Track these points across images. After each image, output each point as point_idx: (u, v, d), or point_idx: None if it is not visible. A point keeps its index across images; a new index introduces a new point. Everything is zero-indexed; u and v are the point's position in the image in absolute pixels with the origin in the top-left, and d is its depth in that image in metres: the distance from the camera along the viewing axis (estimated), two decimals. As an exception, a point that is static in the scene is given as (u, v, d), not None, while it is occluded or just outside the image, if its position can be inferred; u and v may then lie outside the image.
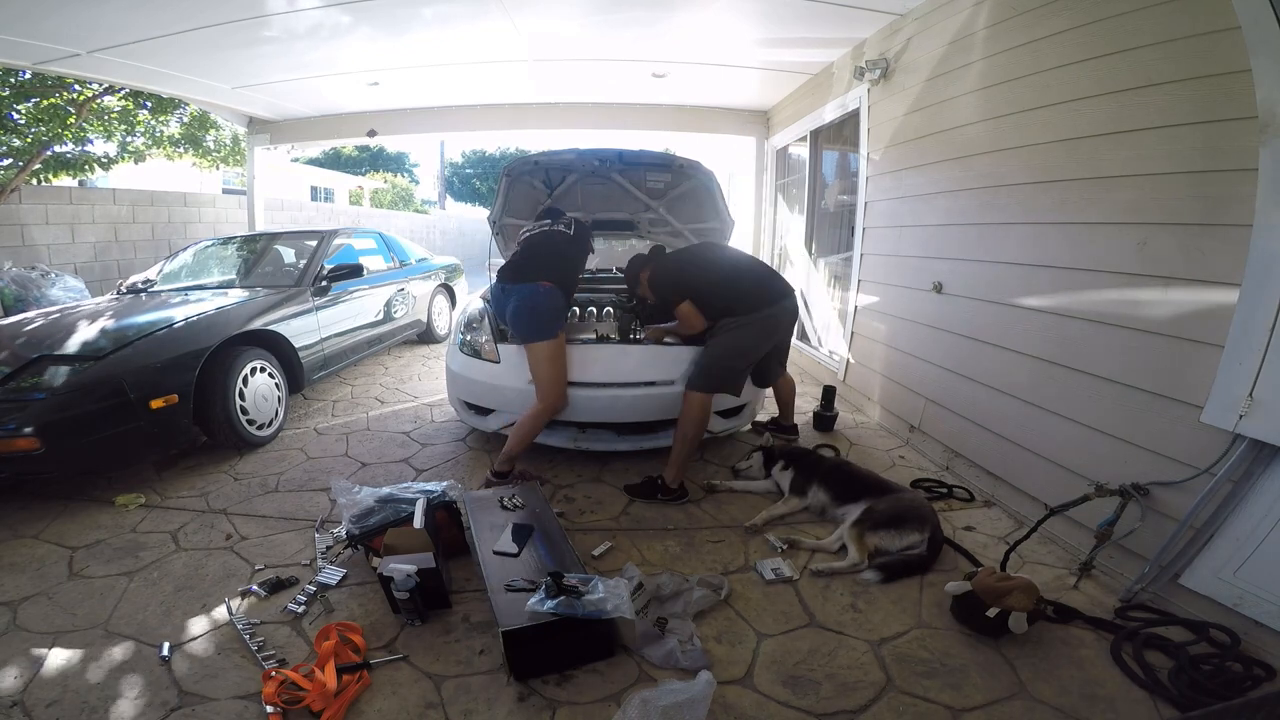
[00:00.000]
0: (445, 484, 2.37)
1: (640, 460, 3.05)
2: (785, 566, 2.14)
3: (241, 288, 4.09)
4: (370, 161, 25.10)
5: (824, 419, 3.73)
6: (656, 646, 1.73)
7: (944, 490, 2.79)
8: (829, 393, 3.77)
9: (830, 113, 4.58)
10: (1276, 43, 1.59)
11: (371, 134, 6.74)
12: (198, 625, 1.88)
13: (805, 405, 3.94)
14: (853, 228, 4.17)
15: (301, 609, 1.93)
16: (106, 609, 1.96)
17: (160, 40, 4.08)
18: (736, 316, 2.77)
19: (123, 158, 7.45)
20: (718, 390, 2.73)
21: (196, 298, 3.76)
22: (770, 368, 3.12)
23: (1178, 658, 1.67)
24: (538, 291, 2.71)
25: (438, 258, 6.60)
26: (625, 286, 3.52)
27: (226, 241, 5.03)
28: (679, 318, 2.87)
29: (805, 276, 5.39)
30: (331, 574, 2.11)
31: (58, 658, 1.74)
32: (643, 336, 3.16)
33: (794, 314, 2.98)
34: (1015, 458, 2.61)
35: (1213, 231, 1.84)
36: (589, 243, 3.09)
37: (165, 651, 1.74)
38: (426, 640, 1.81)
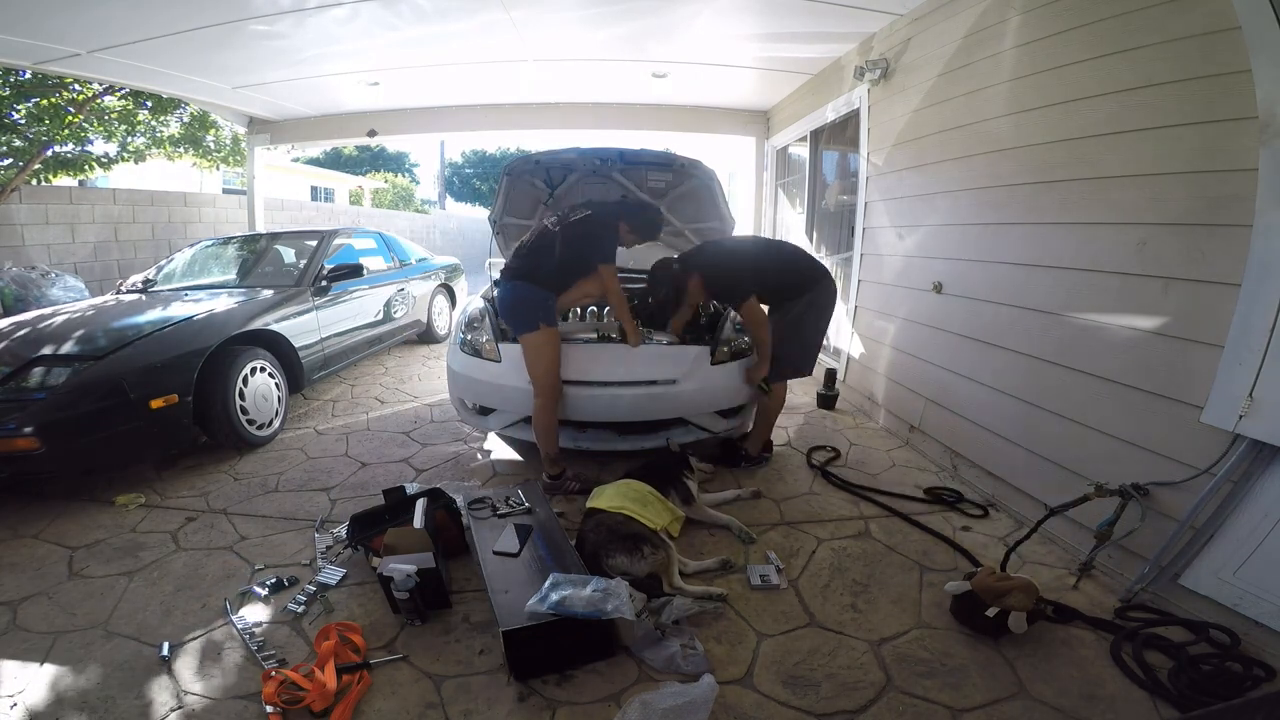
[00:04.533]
0: (445, 484, 2.37)
1: (641, 461, 3.05)
2: (774, 575, 2.13)
3: (241, 287, 4.09)
4: (370, 161, 25.08)
5: (826, 399, 4.12)
6: (657, 650, 1.72)
7: (953, 497, 2.74)
8: (830, 374, 4.15)
9: (830, 113, 4.57)
10: (1276, 43, 1.59)
11: (371, 134, 6.74)
12: (198, 625, 1.88)
13: (809, 386, 4.33)
14: (853, 228, 4.17)
15: (301, 609, 1.93)
16: (106, 609, 1.96)
17: (160, 40, 4.08)
18: (800, 298, 2.93)
19: (123, 158, 7.45)
20: (798, 374, 3.02)
21: (196, 297, 3.76)
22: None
23: (1178, 658, 1.67)
24: (506, 287, 2.77)
25: (438, 258, 6.60)
26: (626, 285, 3.52)
27: (226, 241, 5.03)
28: (750, 314, 2.86)
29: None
30: (331, 574, 2.11)
31: (58, 658, 1.74)
32: (664, 339, 3.14)
33: (835, 291, 3.08)
34: (1015, 458, 2.61)
35: (1213, 231, 1.84)
36: (585, 231, 2.79)
37: (165, 651, 1.74)
38: (426, 640, 1.81)
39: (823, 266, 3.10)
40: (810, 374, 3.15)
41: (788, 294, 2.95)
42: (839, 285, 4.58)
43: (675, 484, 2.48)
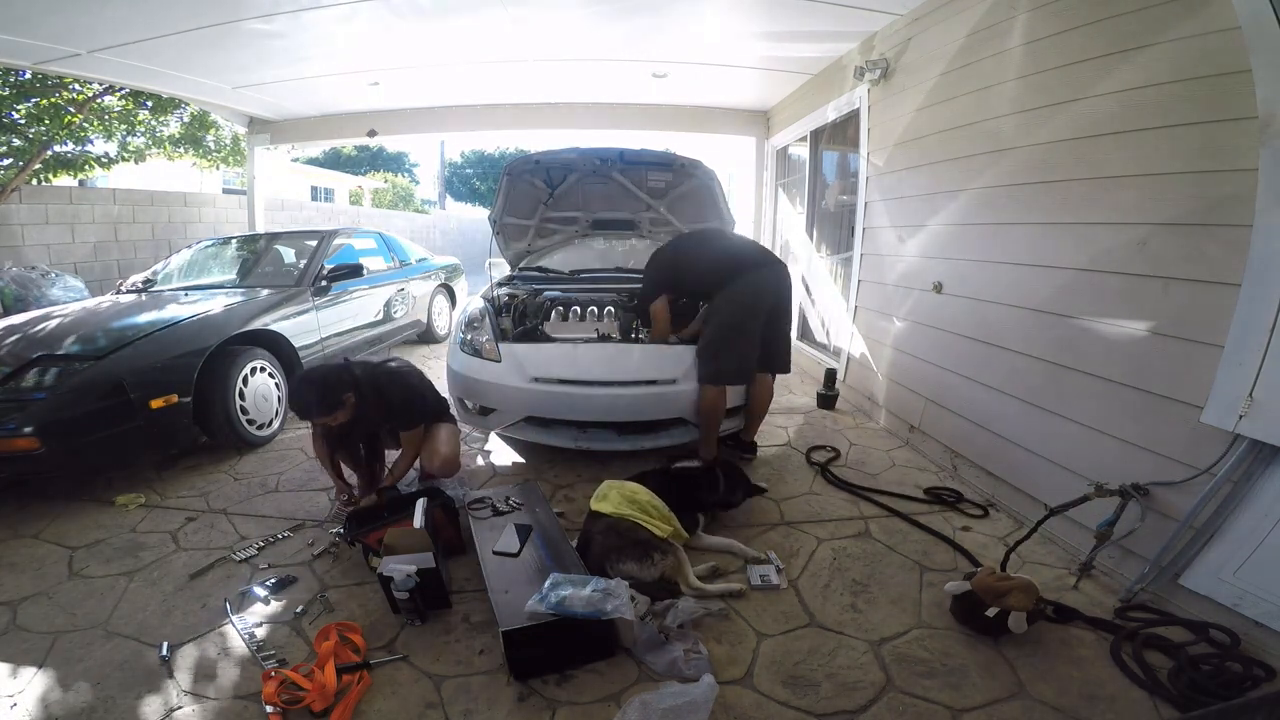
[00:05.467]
0: (444, 484, 2.37)
1: (640, 460, 3.05)
2: (774, 575, 2.12)
3: (241, 288, 4.09)
4: (370, 161, 25.08)
5: (826, 399, 4.13)
6: (660, 654, 1.70)
7: (953, 497, 2.74)
8: (830, 374, 4.18)
9: (831, 112, 4.57)
10: (1276, 43, 1.59)
11: (371, 134, 6.74)
12: (198, 625, 1.88)
13: (809, 386, 4.52)
14: (853, 228, 4.17)
15: (301, 609, 1.93)
16: (106, 609, 1.96)
17: (160, 40, 4.08)
18: (712, 299, 2.87)
19: (123, 157, 7.45)
20: (720, 380, 2.77)
21: (196, 297, 3.76)
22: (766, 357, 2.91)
23: (1177, 658, 1.67)
24: None
25: (438, 258, 6.60)
26: (627, 286, 3.53)
27: (226, 241, 5.03)
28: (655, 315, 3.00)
29: (805, 275, 5.40)
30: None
31: (58, 658, 1.74)
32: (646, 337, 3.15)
33: (776, 283, 2.85)
34: (1015, 458, 2.61)
35: (1213, 231, 1.84)
36: None
37: (165, 651, 1.74)
38: (426, 640, 1.81)
39: (750, 262, 2.88)
40: (737, 382, 2.86)
41: (703, 296, 3.01)
42: (839, 285, 4.61)
43: (689, 510, 2.33)
